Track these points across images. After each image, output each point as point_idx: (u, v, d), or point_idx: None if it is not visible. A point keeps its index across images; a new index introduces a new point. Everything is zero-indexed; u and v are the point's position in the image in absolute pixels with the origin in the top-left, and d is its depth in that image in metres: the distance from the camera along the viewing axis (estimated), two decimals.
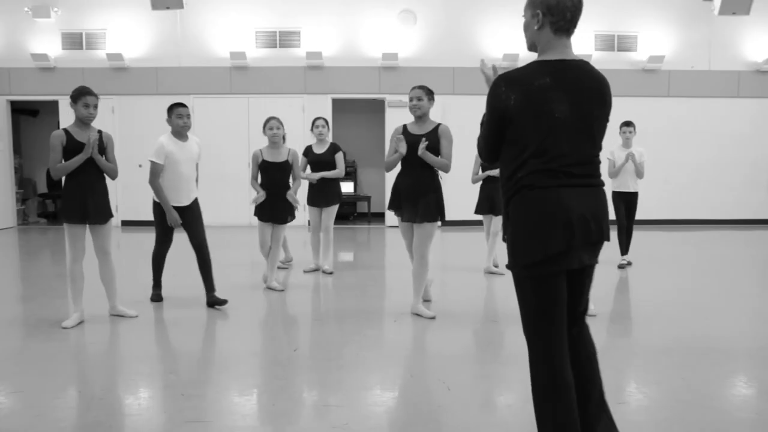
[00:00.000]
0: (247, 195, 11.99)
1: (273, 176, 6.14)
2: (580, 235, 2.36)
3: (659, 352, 4.24)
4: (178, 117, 5.43)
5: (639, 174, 7.58)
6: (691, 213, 12.48)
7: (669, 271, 7.51)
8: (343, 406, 3.35)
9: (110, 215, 5.07)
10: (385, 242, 10.25)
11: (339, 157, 7.20)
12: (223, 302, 5.50)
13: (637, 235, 10.80)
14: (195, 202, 5.68)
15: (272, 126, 6.18)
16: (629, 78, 12.12)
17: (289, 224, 6.33)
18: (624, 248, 7.72)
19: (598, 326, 4.97)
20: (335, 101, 12.10)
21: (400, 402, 3.41)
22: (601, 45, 12.09)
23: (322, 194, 7.15)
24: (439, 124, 5.06)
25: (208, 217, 12.01)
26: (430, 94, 5.06)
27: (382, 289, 6.56)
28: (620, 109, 12.81)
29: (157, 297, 5.77)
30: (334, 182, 7.23)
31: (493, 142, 2.48)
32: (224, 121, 12.04)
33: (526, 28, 2.48)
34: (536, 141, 2.34)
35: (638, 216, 12.22)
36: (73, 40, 11.91)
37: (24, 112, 13.85)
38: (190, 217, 5.59)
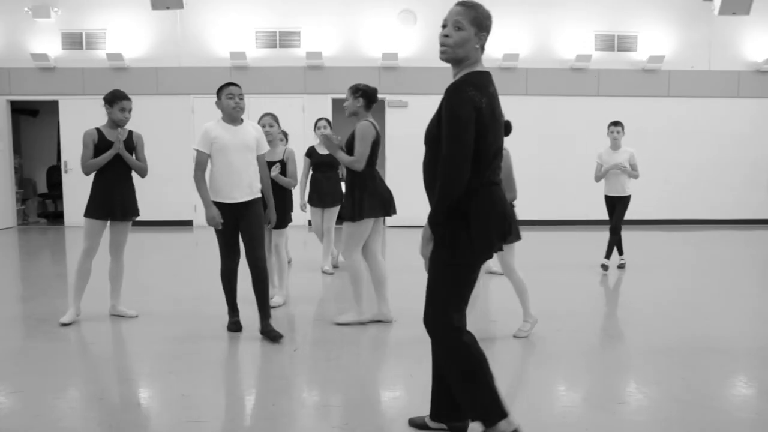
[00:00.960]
0: None
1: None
2: (510, 229, 2.73)
3: (659, 352, 4.24)
4: (228, 97, 4.66)
5: (633, 176, 7.42)
6: (691, 213, 12.48)
7: (669, 271, 7.51)
8: (343, 406, 3.35)
9: (137, 213, 5.18)
10: (385, 242, 10.24)
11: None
12: (279, 337, 4.48)
13: (638, 235, 10.81)
14: (255, 202, 4.63)
15: (264, 123, 5.88)
16: (629, 78, 12.12)
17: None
18: (619, 249, 7.62)
19: (598, 326, 4.97)
20: (335, 101, 12.09)
21: (400, 402, 3.41)
22: (601, 45, 12.09)
23: (323, 195, 7.17)
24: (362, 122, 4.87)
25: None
26: (356, 92, 4.88)
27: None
28: (620, 109, 12.83)
29: (234, 326, 4.80)
30: (336, 183, 7.21)
31: (471, 149, 2.55)
32: None
33: (465, 41, 2.70)
34: (494, 141, 2.63)
35: (639, 216, 12.32)
36: (73, 40, 11.91)
37: (24, 112, 13.85)
38: (245, 218, 4.57)
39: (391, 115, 11.96)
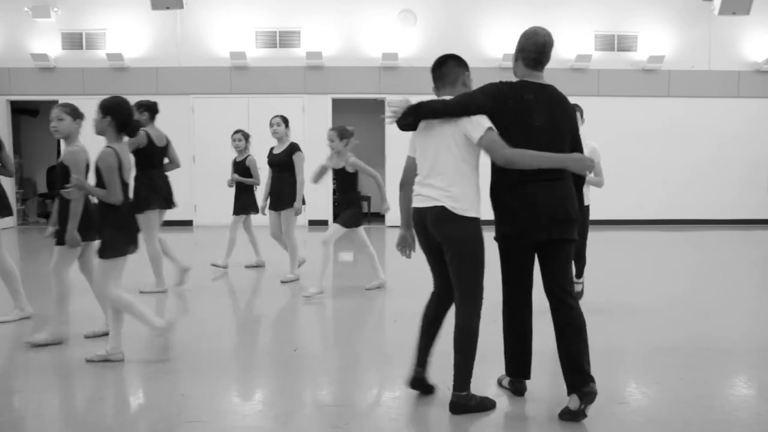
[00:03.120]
0: None
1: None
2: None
3: (659, 352, 4.24)
4: None
5: (597, 183, 5.81)
6: (691, 213, 12.48)
7: (669, 271, 7.51)
8: (343, 406, 3.35)
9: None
10: (384, 242, 10.24)
11: (297, 158, 6.58)
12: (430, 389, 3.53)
13: (637, 235, 10.81)
14: None
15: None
16: (629, 78, 12.12)
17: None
18: (578, 270, 5.61)
19: (598, 326, 4.97)
20: (335, 101, 12.10)
21: (400, 402, 3.41)
22: (601, 45, 12.09)
23: (276, 197, 6.66)
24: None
25: (206, 218, 12.06)
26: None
27: (381, 288, 6.55)
28: (620, 109, 12.82)
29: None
30: (291, 186, 6.55)
31: (465, 112, 3.08)
32: (224, 121, 12.01)
33: (514, 66, 3.26)
34: (520, 144, 3.00)
35: (639, 216, 12.33)
36: (73, 40, 11.91)
37: (24, 112, 13.84)
38: None
39: None
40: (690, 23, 12.17)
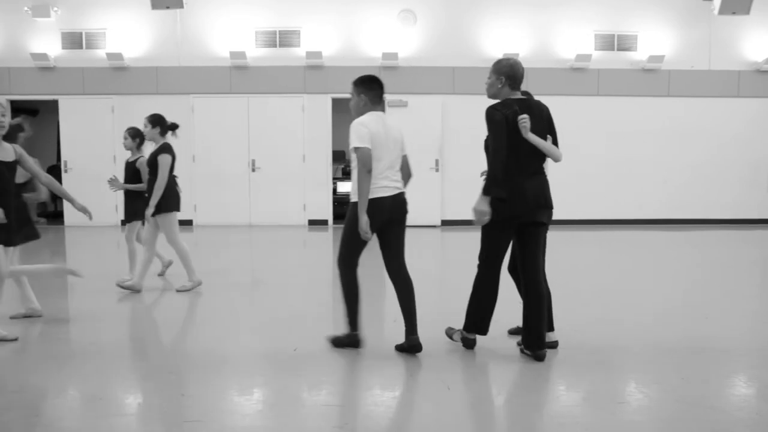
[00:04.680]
0: (247, 195, 12.00)
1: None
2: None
3: (659, 352, 4.24)
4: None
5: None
6: (691, 213, 12.47)
7: (669, 271, 7.51)
8: (343, 406, 3.35)
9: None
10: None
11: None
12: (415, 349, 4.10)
13: (637, 235, 10.81)
14: None
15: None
16: (629, 78, 12.12)
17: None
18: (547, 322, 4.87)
19: (597, 326, 4.97)
20: (335, 101, 12.09)
21: (400, 402, 3.41)
22: (600, 45, 12.08)
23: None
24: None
25: (206, 218, 12.07)
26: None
27: (380, 288, 6.55)
28: (620, 108, 12.79)
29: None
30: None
31: (504, 153, 3.88)
32: (224, 121, 12.04)
33: (491, 86, 4.03)
34: (511, 148, 3.87)
35: (638, 216, 12.33)
36: (73, 40, 11.90)
37: (24, 112, 13.83)
38: None
39: (390, 115, 11.93)
40: (690, 23, 12.17)
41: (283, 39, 11.98)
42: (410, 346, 4.08)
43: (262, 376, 3.85)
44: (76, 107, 11.84)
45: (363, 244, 4.09)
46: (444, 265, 8.23)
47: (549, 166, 4.22)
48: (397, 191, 4.08)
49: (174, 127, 6.13)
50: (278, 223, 11.92)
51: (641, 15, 12.12)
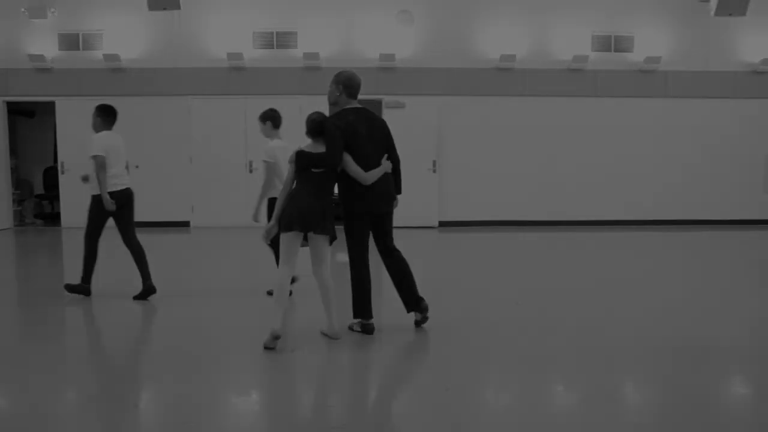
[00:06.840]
0: (244, 195, 11.98)
1: None
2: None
3: (659, 352, 4.24)
4: None
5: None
6: (687, 213, 12.49)
7: (668, 272, 7.52)
8: (343, 406, 3.34)
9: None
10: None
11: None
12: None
13: (635, 236, 10.83)
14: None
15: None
16: (626, 79, 12.14)
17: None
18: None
19: (597, 327, 4.97)
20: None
21: (400, 402, 3.41)
22: (597, 46, 12.10)
23: None
24: None
25: (204, 218, 12.04)
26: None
27: (379, 288, 6.55)
28: (617, 109, 12.78)
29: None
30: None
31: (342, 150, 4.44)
32: (221, 122, 12.02)
33: (331, 93, 4.97)
34: (354, 149, 4.51)
35: (636, 216, 12.34)
36: (70, 41, 11.88)
37: (21, 113, 13.80)
38: None
39: (388, 116, 11.92)
40: (687, 24, 12.20)
41: (280, 40, 11.98)
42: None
43: (261, 377, 3.84)
44: (73, 108, 11.79)
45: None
46: (443, 267, 8.22)
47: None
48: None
49: None
50: None
51: (638, 16, 12.16)
